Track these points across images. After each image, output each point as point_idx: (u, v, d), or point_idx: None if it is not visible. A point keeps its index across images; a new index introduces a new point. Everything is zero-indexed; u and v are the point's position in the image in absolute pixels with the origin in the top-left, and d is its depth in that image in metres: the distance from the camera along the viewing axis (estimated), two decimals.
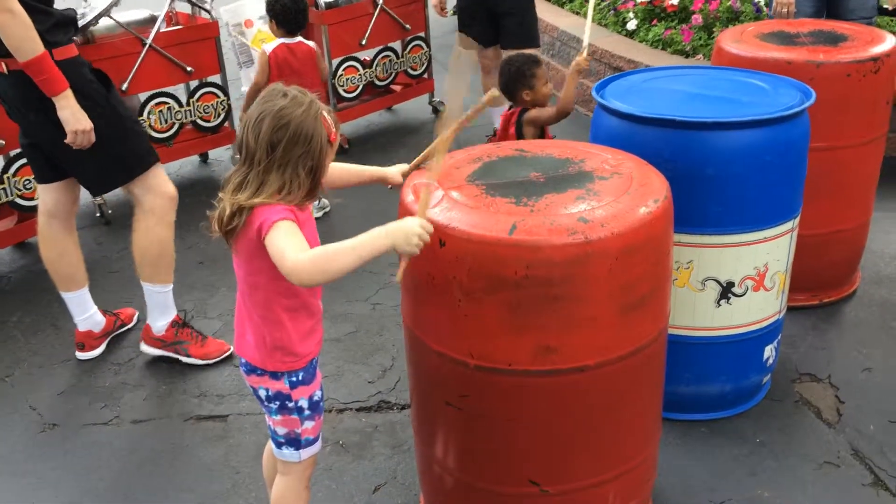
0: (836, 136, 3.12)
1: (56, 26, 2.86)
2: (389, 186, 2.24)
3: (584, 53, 3.25)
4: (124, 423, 2.95)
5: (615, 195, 1.95)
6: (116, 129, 2.99)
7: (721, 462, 2.62)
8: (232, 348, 3.25)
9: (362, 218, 4.02)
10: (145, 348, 3.32)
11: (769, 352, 2.80)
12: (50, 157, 3.05)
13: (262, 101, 1.84)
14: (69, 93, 2.82)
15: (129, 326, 3.52)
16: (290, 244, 1.74)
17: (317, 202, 4.37)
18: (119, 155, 3.03)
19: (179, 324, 3.28)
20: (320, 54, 4.40)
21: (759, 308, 2.67)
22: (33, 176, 3.21)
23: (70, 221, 3.25)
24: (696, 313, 2.64)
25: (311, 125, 1.80)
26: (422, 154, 2.18)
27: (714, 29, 5.23)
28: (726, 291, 2.60)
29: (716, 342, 2.68)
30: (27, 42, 2.73)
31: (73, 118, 2.83)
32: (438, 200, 1.96)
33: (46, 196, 3.16)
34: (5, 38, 2.73)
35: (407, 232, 1.74)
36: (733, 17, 5.23)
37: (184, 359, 3.25)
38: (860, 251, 3.47)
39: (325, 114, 1.85)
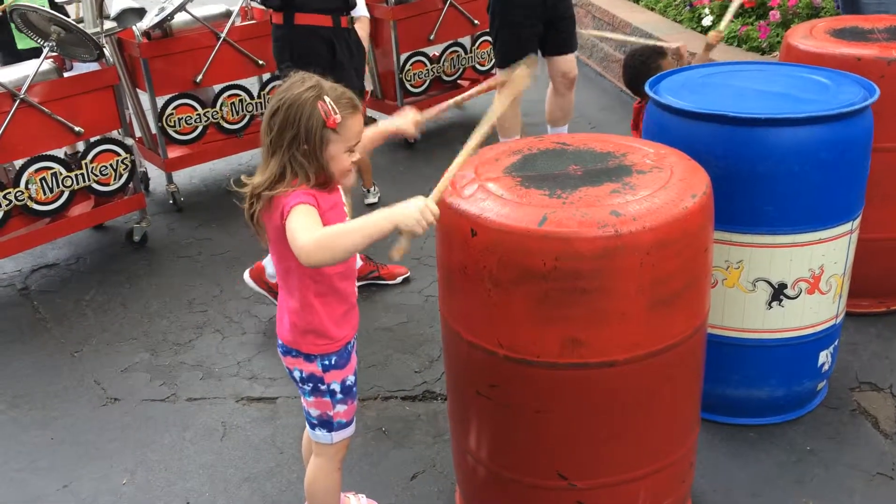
0: None
1: None
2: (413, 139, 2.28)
3: (723, 25, 3.35)
4: (180, 400, 3.07)
5: (652, 189, 1.92)
6: None
7: (767, 468, 2.55)
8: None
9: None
10: (250, 282, 3.51)
11: (824, 357, 2.70)
12: None
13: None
14: None
15: (386, 283, 3.68)
16: (301, 225, 1.79)
17: (373, 188, 4.44)
18: None
19: None
20: None
21: (814, 311, 2.58)
22: None
23: None
24: (745, 314, 2.57)
25: (303, 108, 1.82)
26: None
27: (793, 25, 5.05)
28: (778, 293, 2.52)
29: (766, 345, 2.61)
30: None
31: None
32: (473, 191, 1.97)
33: None
34: None
35: (411, 210, 1.75)
36: (813, 13, 5.04)
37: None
38: None
39: (326, 98, 1.84)
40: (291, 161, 1.84)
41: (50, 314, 3.72)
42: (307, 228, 1.79)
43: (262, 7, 4.98)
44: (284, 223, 1.83)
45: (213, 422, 2.93)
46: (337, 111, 1.85)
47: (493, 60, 4.29)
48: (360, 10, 3.55)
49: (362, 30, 3.57)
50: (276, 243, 1.93)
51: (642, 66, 3.29)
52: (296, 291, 1.98)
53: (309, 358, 2.03)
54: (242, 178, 1.93)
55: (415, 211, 1.74)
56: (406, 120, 2.25)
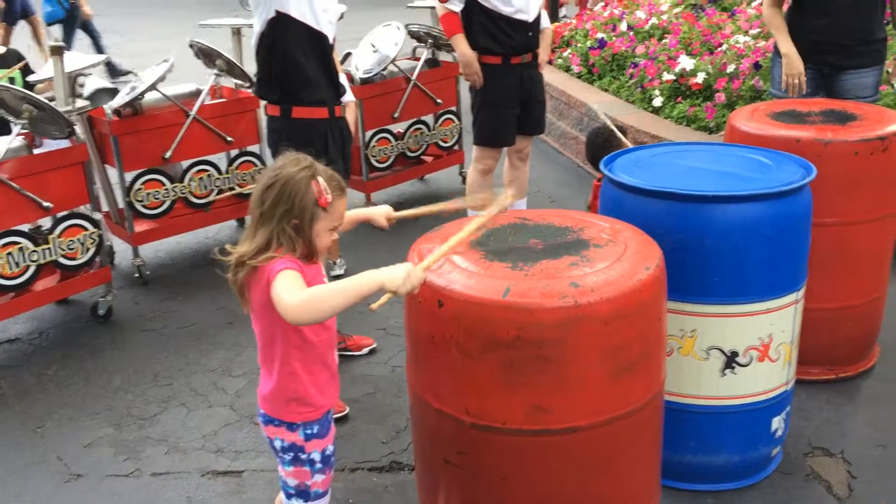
0: (845, 212, 3.16)
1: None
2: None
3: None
4: (144, 475, 3.05)
5: (608, 262, 2.04)
6: None
7: None
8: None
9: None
10: None
11: (777, 423, 2.81)
12: None
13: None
14: None
15: (353, 353, 3.75)
16: (287, 287, 1.88)
17: (339, 260, 4.52)
18: None
19: None
20: None
21: (766, 378, 2.70)
22: None
23: None
24: (701, 382, 2.67)
25: (298, 186, 1.95)
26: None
27: (737, 106, 5.34)
28: (731, 361, 2.64)
29: (721, 412, 2.71)
30: None
31: None
32: (440, 264, 2.07)
33: None
34: None
35: (399, 272, 1.85)
36: (756, 96, 5.35)
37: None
38: (875, 327, 3.47)
39: (320, 179, 1.98)
40: (280, 234, 1.95)
41: (11, 390, 3.69)
42: (293, 289, 1.87)
43: (232, 87, 5.14)
44: (270, 287, 1.90)
45: (178, 497, 2.92)
46: (329, 191, 1.97)
47: (472, 137, 4.50)
48: (348, 96, 3.66)
49: (350, 114, 3.69)
50: (261, 311, 2.00)
51: (605, 142, 3.48)
52: (279, 360, 2.04)
53: (291, 427, 2.08)
54: (227, 247, 2.01)
55: (402, 273, 1.85)
56: (380, 213, 2.37)
